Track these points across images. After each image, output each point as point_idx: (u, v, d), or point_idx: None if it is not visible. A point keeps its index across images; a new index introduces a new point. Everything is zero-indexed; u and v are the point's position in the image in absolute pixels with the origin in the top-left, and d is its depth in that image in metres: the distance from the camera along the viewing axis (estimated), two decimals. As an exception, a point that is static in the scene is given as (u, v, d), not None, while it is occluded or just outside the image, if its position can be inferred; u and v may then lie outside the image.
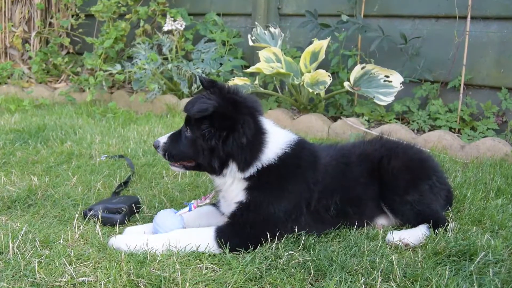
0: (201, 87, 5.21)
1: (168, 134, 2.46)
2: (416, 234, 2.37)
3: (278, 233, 2.29)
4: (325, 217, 2.42)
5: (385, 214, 2.58)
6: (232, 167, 2.32)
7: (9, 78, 6.64)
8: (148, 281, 1.94)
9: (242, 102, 2.34)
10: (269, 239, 2.27)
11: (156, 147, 2.45)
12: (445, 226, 2.44)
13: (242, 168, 2.32)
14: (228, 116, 2.25)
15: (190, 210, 2.46)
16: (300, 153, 2.42)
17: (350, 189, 2.49)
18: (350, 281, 1.98)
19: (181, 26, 5.48)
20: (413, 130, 4.39)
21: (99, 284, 1.91)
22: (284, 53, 4.70)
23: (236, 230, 2.28)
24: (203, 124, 2.27)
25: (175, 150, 2.40)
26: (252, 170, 2.33)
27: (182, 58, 5.61)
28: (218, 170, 2.34)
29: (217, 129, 2.26)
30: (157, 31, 5.91)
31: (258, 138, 2.33)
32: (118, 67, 5.58)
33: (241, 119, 2.27)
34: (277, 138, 2.40)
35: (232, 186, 2.38)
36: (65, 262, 2.05)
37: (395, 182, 2.48)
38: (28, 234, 2.32)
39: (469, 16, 4.27)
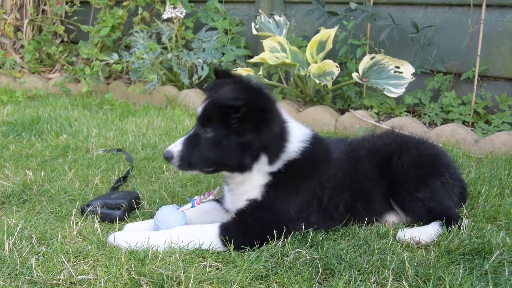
0: (202, 77, 5.19)
1: (180, 141, 2.19)
2: (428, 232, 2.31)
3: (285, 230, 2.23)
4: (334, 214, 2.37)
5: (395, 210, 2.51)
6: (263, 160, 2.21)
7: (0, 68, 6.47)
8: (150, 279, 1.91)
9: (264, 89, 2.23)
10: (275, 237, 2.22)
11: (169, 158, 2.15)
12: (458, 224, 2.38)
13: (272, 160, 2.22)
14: (261, 105, 2.14)
15: (193, 206, 2.38)
16: (317, 148, 2.34)
17: (359, 185, 2.43)
18: (360, 280, 1.94)
19: (181, 13, 5.32)
20: (425, 124, 4.28)
21: (99, 283, 1.88)
22: (290, 43, 4.61)
23: (243, 227, 2.21)
24: (232, 119, 2.10)
25: (196, 157, 2.15)
26: (280, 163, 2.24)
27: (182, 48, 5.47)
28: (248, 166, 2.19)
29: (251, 121, 2.11)
30: (156, 19, 5.76)
31: (283, 127, 2.26)
32: (115, 56, 5.45)
33: (273, 107, 2.19)
34: (296, 127, 2.33)
35: (250, 182, 2.25)
36: (63, 259, 2.02)
37: (405, 178, 2.43)
38: (24, 230, 2.29)
39: (484, 4, 4.14)
